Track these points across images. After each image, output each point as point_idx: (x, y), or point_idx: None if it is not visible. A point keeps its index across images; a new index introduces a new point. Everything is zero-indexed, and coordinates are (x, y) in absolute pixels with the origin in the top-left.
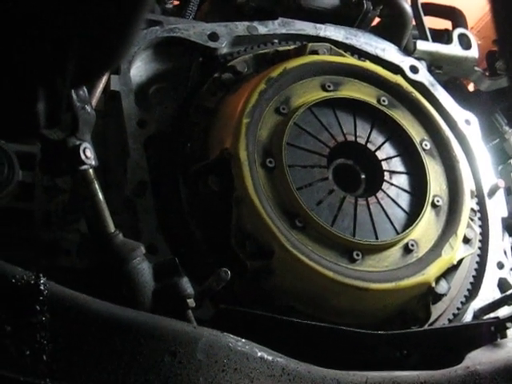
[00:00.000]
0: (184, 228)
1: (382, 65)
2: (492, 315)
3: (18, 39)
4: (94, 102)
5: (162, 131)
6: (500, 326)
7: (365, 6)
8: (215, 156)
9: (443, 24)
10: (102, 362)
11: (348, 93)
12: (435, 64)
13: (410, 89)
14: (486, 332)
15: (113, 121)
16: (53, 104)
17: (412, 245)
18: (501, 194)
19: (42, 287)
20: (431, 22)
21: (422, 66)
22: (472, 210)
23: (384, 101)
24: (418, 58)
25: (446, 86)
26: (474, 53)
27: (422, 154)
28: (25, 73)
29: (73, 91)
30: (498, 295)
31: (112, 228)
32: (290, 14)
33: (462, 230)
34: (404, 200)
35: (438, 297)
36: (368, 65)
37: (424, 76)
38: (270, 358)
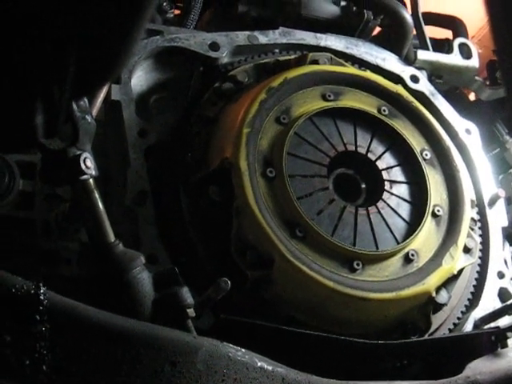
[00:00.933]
0: (184, 238)
1: (382, 74)
2: (492, 325)
3: (18, 39)
4: (95, 111)
5: (163, 141)
6: (500, 336)
7: (365, 15)
8: (216, 166)
9: (444, 33)
10: (102, 372)
11: (348, 102)
12: (436, 73)
13: (411, 98)
14: (487, 342)
15: (113, 130)
16: (51, 114)
17: (412, 254)
18: (501, 204)
19: (41, 297)
20: (432, 32)
21: (422, 76)
22: (472, 219)
23: (384, 110)
24: (419, 68)
25: (447, 95)
26: (474, 62)
27: (423, 163)
28: (24, 80)
29: (73, 101)
30: (498, 305)
31: (112, 237)
32: (291, 24)
33: (462, 239)
34: (404, 210)
35: (439, 306)
36: (368, 74)
37: (424, 85)
38: (269, 367)
